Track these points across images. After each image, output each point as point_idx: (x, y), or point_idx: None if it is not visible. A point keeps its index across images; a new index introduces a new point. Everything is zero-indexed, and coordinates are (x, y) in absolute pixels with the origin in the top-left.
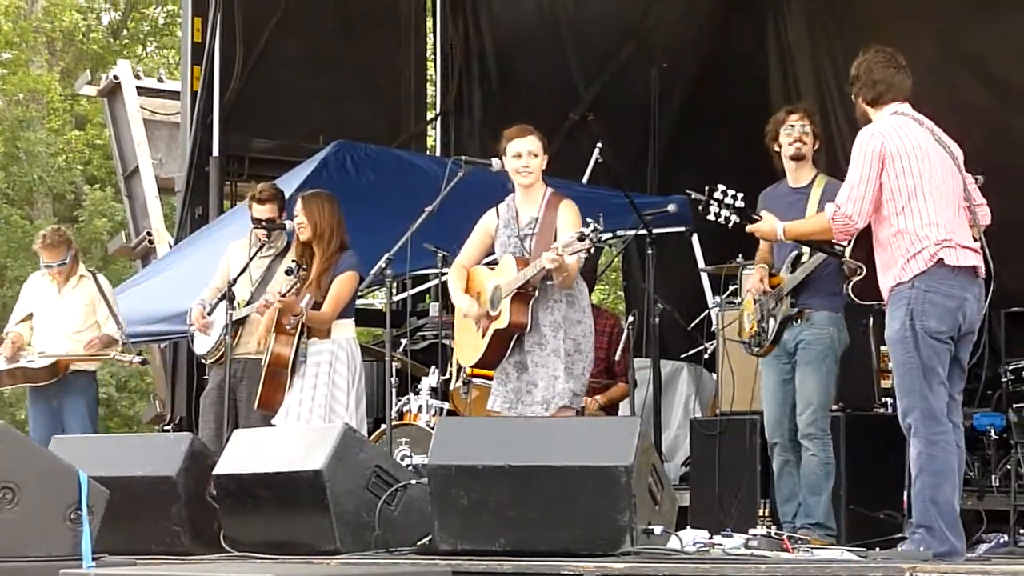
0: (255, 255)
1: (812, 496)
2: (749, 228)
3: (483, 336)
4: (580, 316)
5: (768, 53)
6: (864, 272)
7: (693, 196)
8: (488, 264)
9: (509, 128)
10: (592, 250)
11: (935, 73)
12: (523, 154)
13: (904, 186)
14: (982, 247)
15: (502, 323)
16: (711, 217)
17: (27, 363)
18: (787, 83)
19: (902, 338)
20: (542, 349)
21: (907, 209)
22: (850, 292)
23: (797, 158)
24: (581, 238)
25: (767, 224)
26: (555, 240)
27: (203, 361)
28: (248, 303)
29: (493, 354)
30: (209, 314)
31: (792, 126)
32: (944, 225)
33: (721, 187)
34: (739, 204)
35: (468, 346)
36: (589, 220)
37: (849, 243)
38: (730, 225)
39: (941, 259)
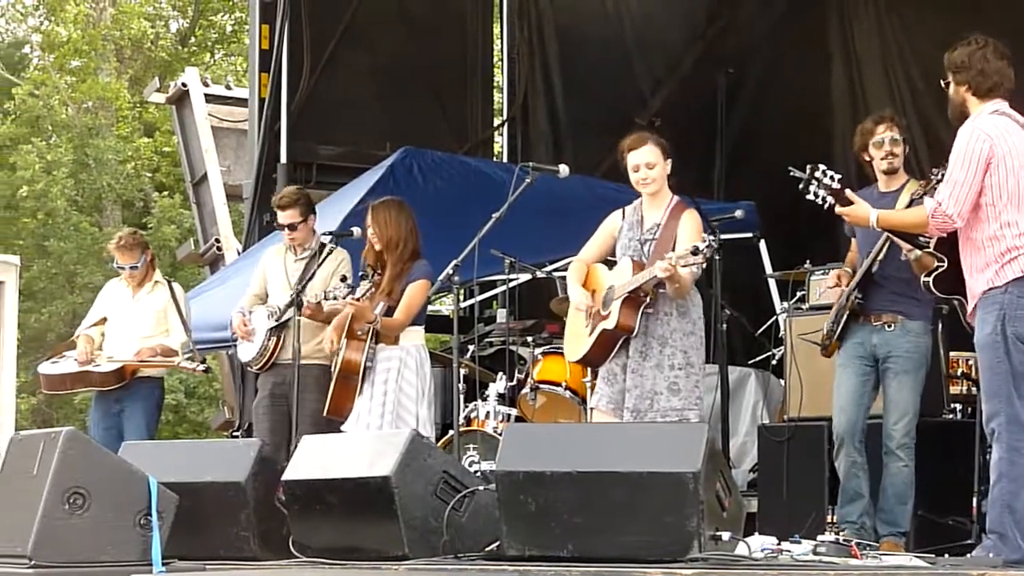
0: (296, 260)
1: (900, 505)
2: (840, 210)
3: (591, 334)
4: (691, 328)
5: (834, 59)
6: (946, 265)
7: (794, 173)
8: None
9: (625, 139)
10: (705, 264)
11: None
12: (640, 167)
13: (1006, 191)
14: None
15: (610, 324)
16: (810, 196)
17: (94, 367)
18: (853, 90)
19: (993, 342)
20: (644, 360)
21: (1004, 214)
22: (930, 283)
23: (890, 172)
24: (695, 252)
25: (861, 209)
26: (673, 249)
27: (249, 369)
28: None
29: (597, 353)
30: (250, 321)
31: (882, 139)
32: None
33: (822, 167)
34: (836, 185)
35: (575, 341)
36: (705, 236)
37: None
38: (826, 206)
39: None
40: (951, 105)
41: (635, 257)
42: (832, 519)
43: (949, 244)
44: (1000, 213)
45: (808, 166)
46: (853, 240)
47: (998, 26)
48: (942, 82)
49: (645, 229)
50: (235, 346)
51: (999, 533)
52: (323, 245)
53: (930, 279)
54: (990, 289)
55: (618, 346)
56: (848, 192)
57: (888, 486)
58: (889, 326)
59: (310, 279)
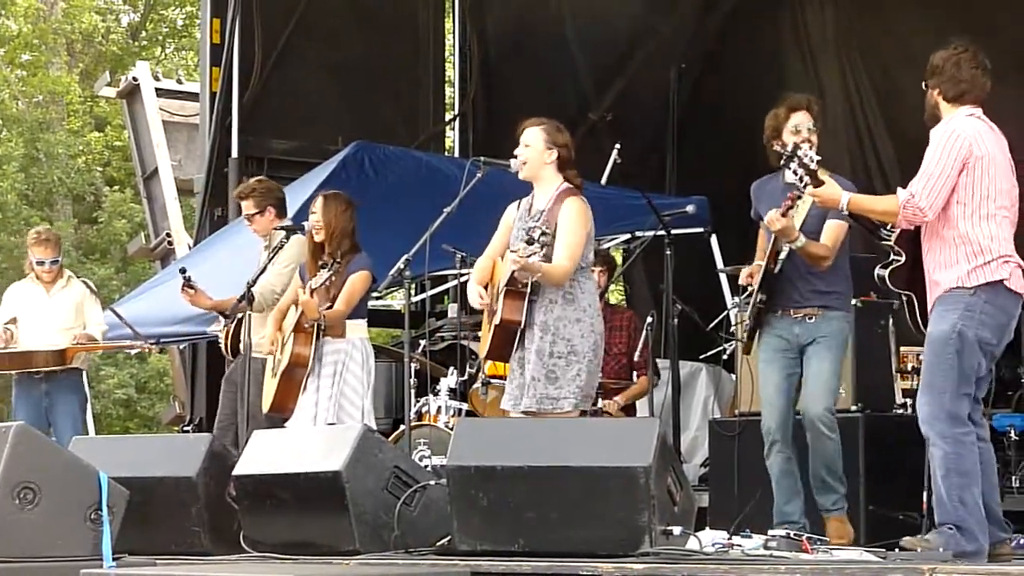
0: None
1: (832, 475)
2: (810, 191)
3: (489, 330)
4: (579, 315)
5: (788, 53)
6: (904, 259)
7: (776, 148)
8: None
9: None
10: (541, 252)
11: None
12: (520, 145)
13: (978, 193)
14: None
15: (496, 319)
16: (790, 177)
17: (36, 348)
18: (808, 81)
19: (947, 339)
20: (529, 348)
21: (975, 216)
22: (886, 276)
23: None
24: (530, 242)
25: (833, 191)
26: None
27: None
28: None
29: (496, 349)
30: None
31: (797, 126)
32: (1007, 240)
33: (805, 146)
34: (814, 166)
35: (484, 336)
36: (535, 225)
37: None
38: (802, 184)
39: (1004, 276)
40: (926, 106)
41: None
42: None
43: (908, 239)
44: (971, 213)
45: (793, 142)
46: (762, 228)
47: (959, 15)
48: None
49: (531, 217)
50: (192, 341)
51: (956, 525)
52: (284, 240)
53: (886, 272)
54: (957, 287)
55: (516, 339)
56: (823, 173)
57: (821, 459)
58: (810, 318)
59: (261, 272)
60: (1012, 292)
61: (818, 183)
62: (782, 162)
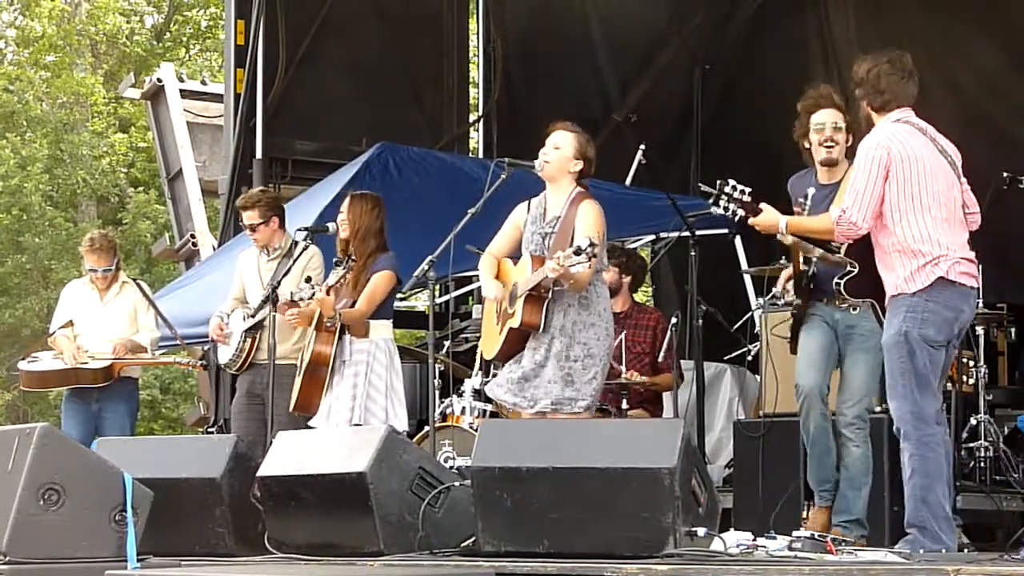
0: (268, 261)
1: (852, 491)
2: (751, 221)
3: (500, 332)
4: (594, 319)
5: (812, 54)
6: (857, 270)
7: (703, 188)
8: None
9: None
10: (591, 264)
11: (984, 71)
12: (547, 145)
13: (905, 196)
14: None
15: (515, 322)
16: (719, 211)
17: (81, 364)
18: (832, 84)
19: (897, 343)
20: (547, 352)
21: (906, 219)
22: (842, 288)
23: (828, 164)
24: (578, 252)
25: (770, 217)
26: (571, 242)
27: (227, 371)
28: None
29: (508, 350)
30: (230, 320)
31: (822, 125)
32: (941, 239)
33: (732, 181)
34: (746, 199)
35: (489, 338)
36: (587, 236)
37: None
38: (736, 219)
39: (941, 274)
40: (860, 116)
41: (536, 251)
42: (807, 515)
43: (860, 248)
44: (901, 218)
45: (718, 181)
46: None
47: (975, 14)
48: None
49: (546, 222)
50: (213, 343)
51: (918, 526)
52: (295, 243)
53: (842, 282)
54: (899, 294)
55: (528, 342)
56: (760, 204)
57: (842, 468)
58: (854, 308)
59: (285, 274)
60: (957, 286)
61: (755, 213)
62: (710, 201)
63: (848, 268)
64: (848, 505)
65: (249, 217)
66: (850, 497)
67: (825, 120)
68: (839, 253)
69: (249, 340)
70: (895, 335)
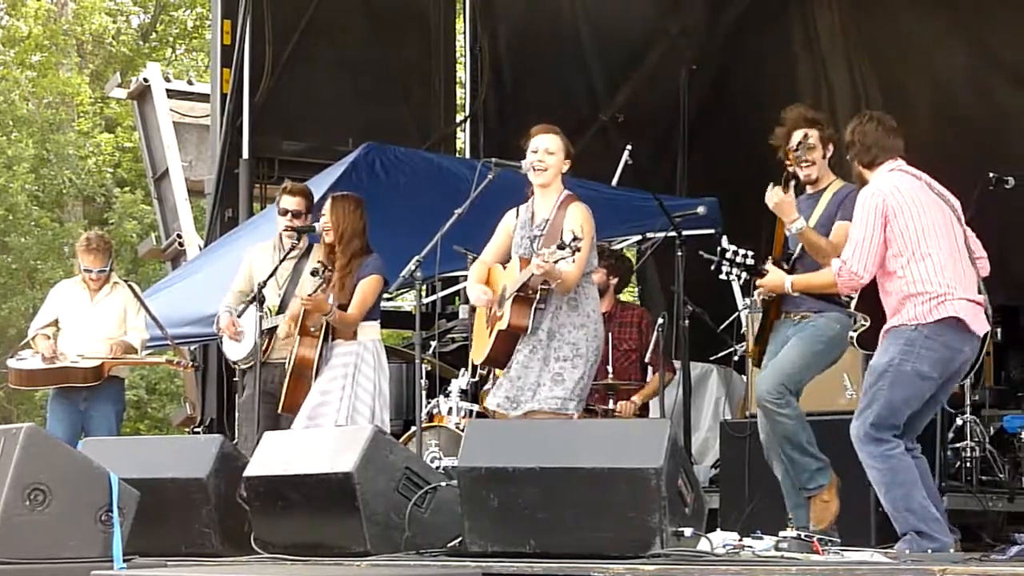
0: (284, 258)
1: (798, 450)
2: (758, 282)
3: (490, 335)
4: (583, 320)
5: (798, 56)
6: (869, 323)
7: (704, 256)
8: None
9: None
10: (575, 259)
11: (968, 72)
12: (539, 150)
13: (908, 240)
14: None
15: (503, 324)
16: (723, 276)
17: (71, 363)
18: (819, 86)
19: (883, 371)
20: (532, 353)
21: (911, 262)
22: (855, 341)
23: (809, 183)
24: (562, 247)
25: (775, 277)
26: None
27: (237, 367)
28: (279, 308)
29: (498, 353)
30: (239, 317)
31: (797, 151)
32: (945, 278)
33: (732, 247)
34: (749, 261)
35: (479, 343)
36: (571, 230)
37: (856, 295)
38: (741, 281)
39: (943, 313)
40: (854, 175)
41: (524, 254)
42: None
43: (871, 301)
44: (908, 261)
45: (718, 248)
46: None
47: (959, 15)
48: None
49: (535, 225)
50: (203, 342)
51: (915, 531)
52: (311, 246)
53: (855, 335)
54: (900, 325)
55: (518, 344)
56: (765, 266)
57: (777, 439)
58: (804, 319)
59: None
60: (961, 329)
61: (760, 275)
62: (712, 268)
63: (861, 322)
64: (802, 463)
65: (296, 204)
66: (799, 457)
67: (799, 142)
68: (850, 308)
69: (267, 339)
70: (886, 364)
